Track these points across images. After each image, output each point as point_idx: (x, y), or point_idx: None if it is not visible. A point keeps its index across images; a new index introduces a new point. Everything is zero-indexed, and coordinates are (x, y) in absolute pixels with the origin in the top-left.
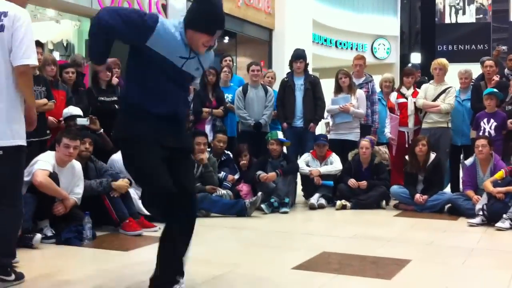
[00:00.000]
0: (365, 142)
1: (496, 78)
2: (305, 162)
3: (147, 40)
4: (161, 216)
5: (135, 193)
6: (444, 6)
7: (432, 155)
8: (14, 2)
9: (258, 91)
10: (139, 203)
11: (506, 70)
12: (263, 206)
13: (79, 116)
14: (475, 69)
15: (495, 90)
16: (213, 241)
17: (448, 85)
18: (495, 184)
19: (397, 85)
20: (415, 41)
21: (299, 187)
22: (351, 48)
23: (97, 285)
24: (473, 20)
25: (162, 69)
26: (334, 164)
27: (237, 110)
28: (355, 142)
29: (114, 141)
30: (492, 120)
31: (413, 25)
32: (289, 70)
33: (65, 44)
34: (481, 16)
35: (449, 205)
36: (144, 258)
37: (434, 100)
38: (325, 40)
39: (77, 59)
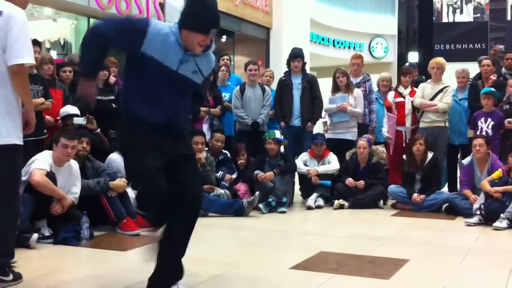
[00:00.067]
0: (362, 142)
1: (493, 77)
2: (303, 161)
3: (141, 45)
4: (157, 216)
5: (132, 193)
6: (441, 5)
7: (430, 155)
8: (13, 2)
9: (256, 90)
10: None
11: (503, 69)
12: (260, 205)
13: (76, 115)
14: (473, 68)
15: (492, 89)
16: (211, 241)
17: (446, 84)
18: (493, 183)
19: (394, 84)
20: (412, 40)
21: (297, 186)
22: (349, 47)
23: (95, 285)
24: (471, 19)
25: (158, 75)
26: (332, 163)
27: (234, 109)
28: (353, 141)
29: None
30: (489, 120)
31: (411, 24)
32: (286, 69)
33: (62, 43)
34: (478, 15)
35: (446, 204)
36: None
37: (432, 99)
38: (323, 39)
39: (74, 59)
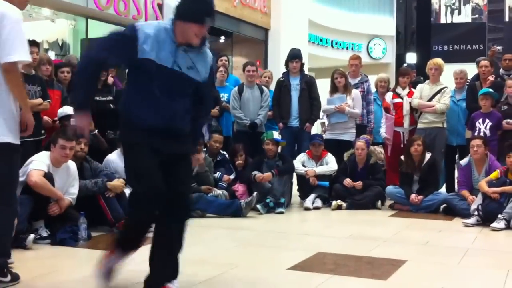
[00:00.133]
0: (360, 143)
1: (491, 78)
2: (301, 162)
3: (136, 51)
4: (142, 218)
5: None
6: (439, 6)
7: (428, 155)
8: (12, 2)
9: (254, 91)
10: None
11: (501, 70)
12: (258, 206)
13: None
14: (471, 69)
15: (490, 90)
16: (209, 241)
17: (444, 85)
18: (490, 184)
19: (392, 85)
20: (410, 41)
21: (295, 187)
22: (347, 48)
23: (93, 286)
24: (469, 20)
25: (155, 76)
26: (330, 164)
27: (232, 110)
28: (351, 142)
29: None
30: (487, 120)
31: (409, 25)
32: (284, 70)
33: (60, 44)
34: (476, 16)
35: (444, 205)
36: (139, 258)
37: (430, 100)
38: (321, 40)
39: (72, 60)
